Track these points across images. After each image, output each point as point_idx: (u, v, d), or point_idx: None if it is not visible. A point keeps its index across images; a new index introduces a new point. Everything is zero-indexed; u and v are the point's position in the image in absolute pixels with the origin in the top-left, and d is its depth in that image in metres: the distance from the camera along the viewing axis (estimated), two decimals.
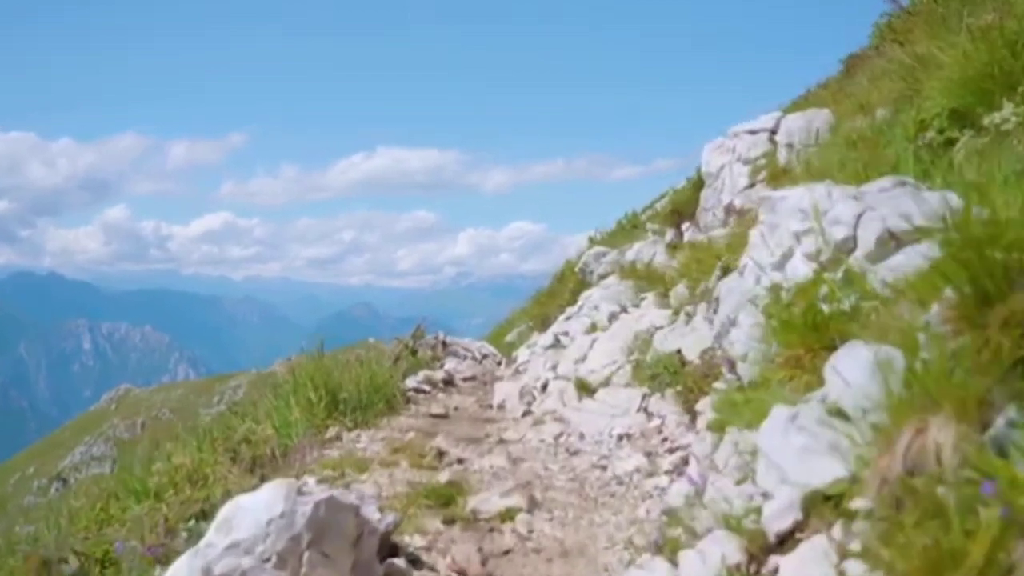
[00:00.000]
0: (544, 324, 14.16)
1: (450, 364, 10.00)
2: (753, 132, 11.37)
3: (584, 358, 8.77)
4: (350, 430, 6.97)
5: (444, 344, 11.70)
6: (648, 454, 5.57)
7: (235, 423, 6.84)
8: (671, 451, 5.50)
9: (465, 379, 9.61)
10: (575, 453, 6.11)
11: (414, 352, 10.11)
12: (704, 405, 4.90)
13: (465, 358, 11.67)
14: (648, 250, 12.63)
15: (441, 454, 6.03)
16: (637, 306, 10.24)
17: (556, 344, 12.95)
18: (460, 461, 5.96)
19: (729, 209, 11.12)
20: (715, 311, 5.04)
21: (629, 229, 22.24)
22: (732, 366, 4.45)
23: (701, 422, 4.84)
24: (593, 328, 9.52)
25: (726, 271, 6.97)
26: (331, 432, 6.80)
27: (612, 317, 10.33)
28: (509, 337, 15.92)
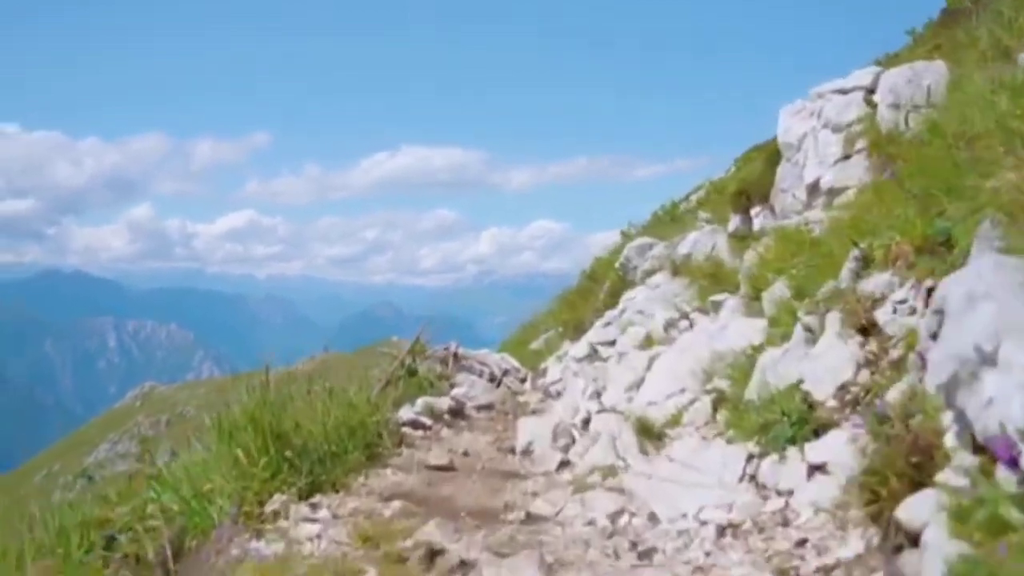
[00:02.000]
0: (576, 330, 11.86)
1: (461, 387, 7.69)
2: (844, 92, 8.98)
3: (640, 383, 6.46)
4: (305, 497, 4.71)
5: (456, 357, 9.43)
6: (780, 573, 3.25)
7: (131, 491, 4.60)
8: (827, 572, 3.17)
9: (479, 407, 7.32)
10: (647, 554, 3.79)
11: (412, 372, 7.83)
12: (915, 511, 2.60)
13: (481, 374, 9.39)
14: (705, 241, 10.28)
15: (433, 554, 3.75)
16: (704, 312, 7.91)
17: (593, 355, 10.68)
18: (463, 565, 3.68)
19: (815, 188, 8.77)
20: (933, 335, 2.73)
21: (667, 222, 20.03)
22: (1009, 450, 2.16)
23: (928, 559, 2.51)
24: (649, 342, 7.18)
25: (867, 263, 4.64)
26: (275, 503, 4.54)
27: (670, 326, 8.00)
28: (535, 344, 13.61)
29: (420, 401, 6.88)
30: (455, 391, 7.47)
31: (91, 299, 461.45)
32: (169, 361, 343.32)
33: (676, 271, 10.42)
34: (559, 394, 8.56)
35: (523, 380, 9.81)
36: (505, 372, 9.39)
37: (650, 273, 11.03)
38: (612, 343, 10.46)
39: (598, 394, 6.77)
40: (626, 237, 21.67)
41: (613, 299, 11.63)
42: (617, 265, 11.68)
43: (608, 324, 10.65)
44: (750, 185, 9.52)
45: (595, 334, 10.70)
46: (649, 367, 6.49)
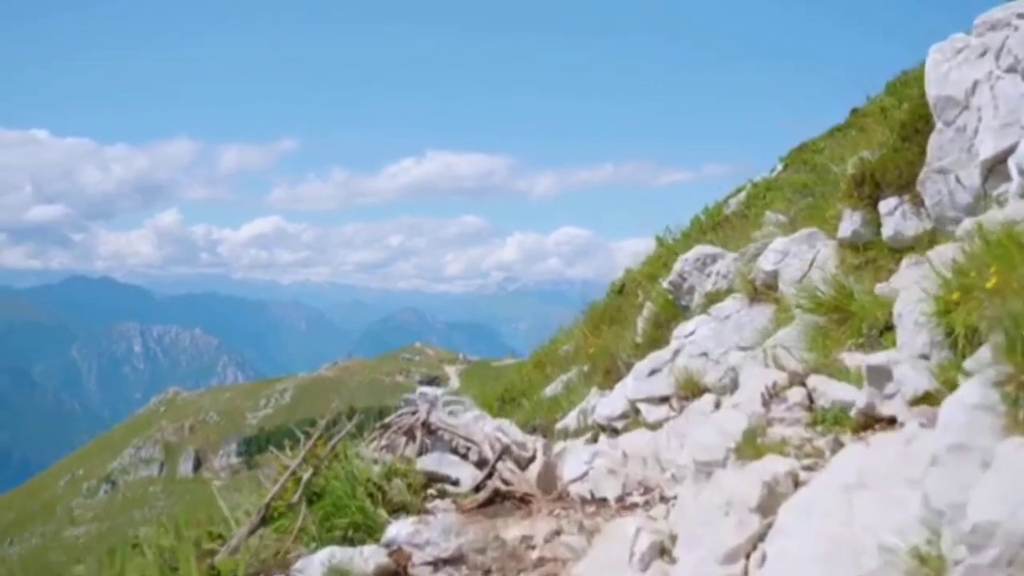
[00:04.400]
0: (608, 375, 8.55)
1: (404, 524, 4.27)
2: None
3: (753, 544, 3.17)
4: None
5: (428, 428, 6.16)
6: None
7: None
8: None
9: (437, 563, 3.98)
10: None
11: (316, 494, 4.38)
12: None
13: (467, 454, 6.13)
14: (799, 251, 6.91)
15: None
16: (836, 375, 4.56)
17: (632, 417, 7.42)
18: None
19: (999, 164, 5.42)
20: None
21: (710, 228, 16.79)
22: None
23: None
24: (754, 446, 3.79)
25: None
26: None
27: (775, 398, 4.65)
28: (551, 388, 10.29)
29: (320, 558, 3.59)
30: (393, 532, 4.10)
31: (117, 305, 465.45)
32: (194, 366, 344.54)
33: (756, 295, 7.08)
34: (584, 503, 5.25)
35: (530, 460, 6.51)
36: (503, 450, 6.11)
37: (716, 297, 7.69)
38: (663, 400, 7.17)
39: (663, 551, 3.49)
40: (663, 246, 18.42)
41: (659, 331, 8.30)
42: (666, 284, 8.32)
43: (655, 372, 7.34)
44: (881, 167, 6.15)
45: (636, 386, 7.40)
46: (767, 511, 3.20)
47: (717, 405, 6.55)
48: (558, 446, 8.01)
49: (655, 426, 7.05)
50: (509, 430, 6.74)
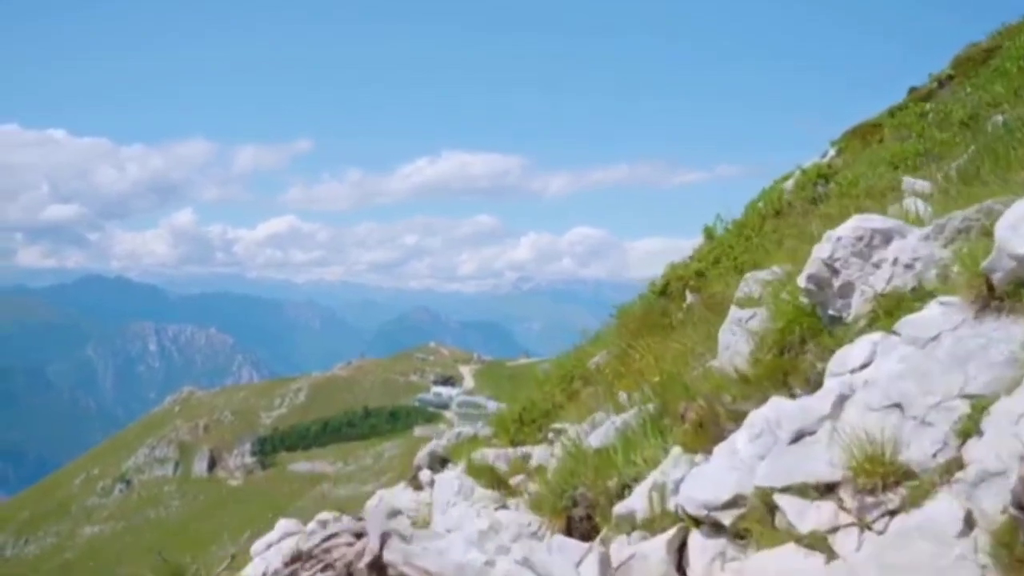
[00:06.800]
0: (701, 428, 5.25)
1: None
2: None
3: None
4: None
5: (381, 570, 3.00)
6: None
7: None
8: None
9: None
10: None
11: None
12: None
13: None
14: None
15: None
16: None
17: (755, 509, 4.18)
18: None
19: None
20: None
21: (771, 215, 13.85)
22: None
23: None
24: None
25: None
26: None
27: None
28: (597, 436, 6.95)
29: None
30: None
31: (132, 304, 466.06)
32: (208, 365, 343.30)
33: (990, 299, 3.84)
34: None
35: None
36: None
37: (897, 301, 4.41)
38: (826, 491, 3.92)
39: None
40: (711, 236, 15.25)
41: (788, 359, 5.02)
42: (802, 282, 5.01)
43: (802, 435, 4.10)
44: None
45: (768, 464, 4.15)
46: None
47: (968, 524, 3.31)
48: (620, 547, 4.80)
49: (813, 541, 3.82)
50: (546, 564, 3.48)
